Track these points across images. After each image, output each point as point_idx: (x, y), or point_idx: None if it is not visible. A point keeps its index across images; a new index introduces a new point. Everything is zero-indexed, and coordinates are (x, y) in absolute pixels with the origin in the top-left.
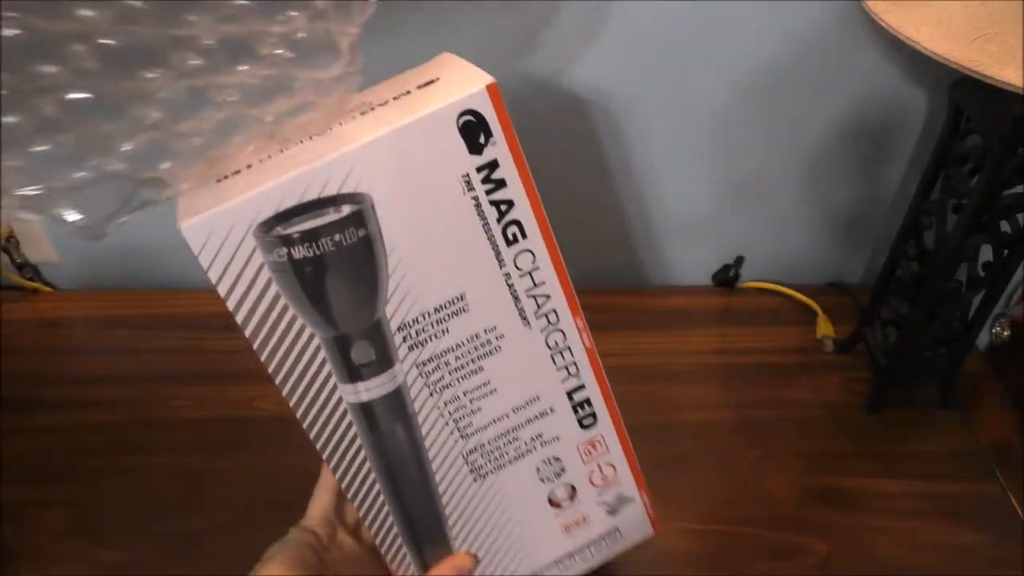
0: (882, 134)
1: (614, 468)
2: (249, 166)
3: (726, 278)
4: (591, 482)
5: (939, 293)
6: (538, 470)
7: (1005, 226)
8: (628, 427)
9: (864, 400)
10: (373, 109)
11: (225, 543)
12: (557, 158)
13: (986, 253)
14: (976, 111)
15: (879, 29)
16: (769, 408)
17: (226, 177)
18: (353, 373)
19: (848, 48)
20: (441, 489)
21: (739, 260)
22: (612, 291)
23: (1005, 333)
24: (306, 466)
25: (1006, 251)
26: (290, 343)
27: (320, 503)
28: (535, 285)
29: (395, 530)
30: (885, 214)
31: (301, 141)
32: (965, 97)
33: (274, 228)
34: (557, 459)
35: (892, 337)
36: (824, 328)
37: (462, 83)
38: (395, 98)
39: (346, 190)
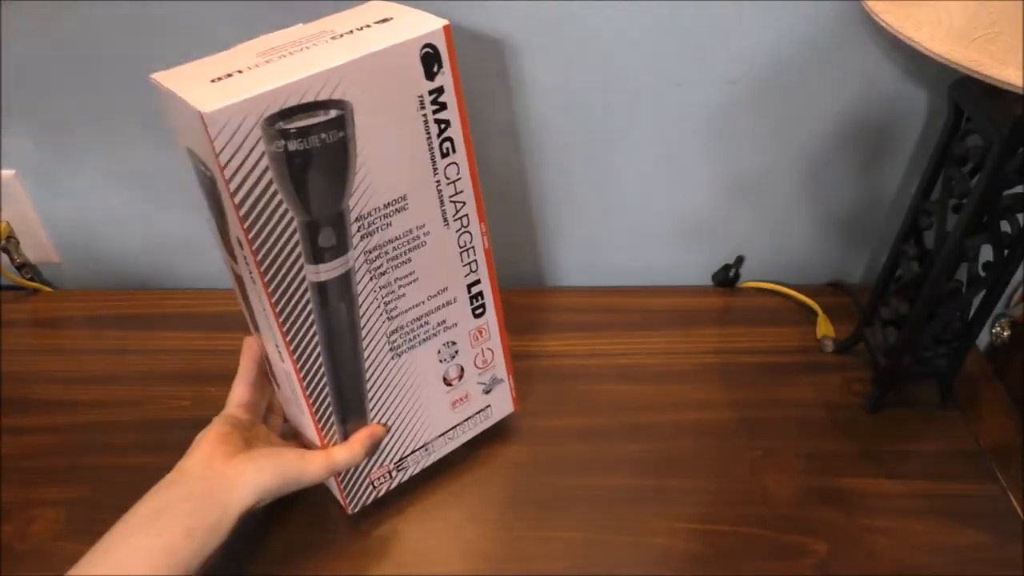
0: (882, 134)
1: (492, 353)
2: (240, 71)
3: (726, 278)
4: (475, 364)
5: (939, 293)
6: (439, 352)
7: (1005, 226)
8: (628, 426)
9: (864, 400)
10: (341, 37)
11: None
12: (556, 158)
13: (986, 253)
14: (976, 111)
15: (879, 29)
16: (769, 408)
17: (219, 79)
18: (318, 255)
19: (848, 48)
20: (366, 364)
21: (739, 260)
22: (612, 291)
23: (1005, 333)
24: None
25: (1006, 251)
26: (274, 224)
27: (239, 391)
28: (456, 192)
29: (328, 399)
30: (885, 214)
31: (282, 56)
32: (965, 97)
33: (276, 123)
34: (454, 343)
35: (892, 337)
36: (824, 328)
37: (420, 23)
38: (358, 29)
39: (333, 97)
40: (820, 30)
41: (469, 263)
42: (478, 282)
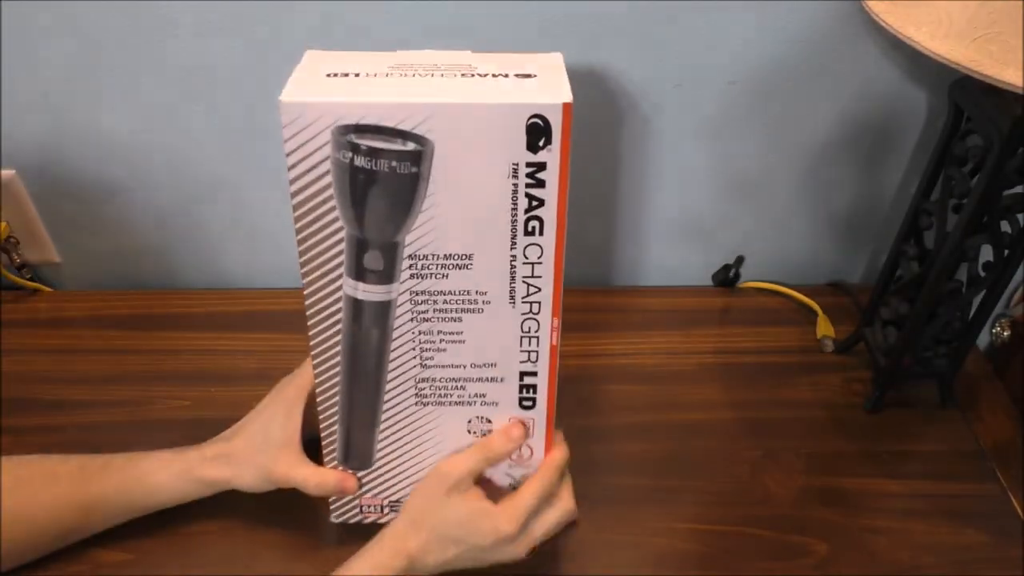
0: (882, 134)
1: (531, 452)
2: (357, 75)
3: (726, 278)
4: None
5: (939, 293)
6: (470, 422)
7: (1005, 226)
8: (628, 426)
9: (864, 400)
10: (473, 76)
11: (225, 543)
12: None
13: (986, 253)
14: (976, 111)
15: (879, 29)
16: (769, 408)
17: (335, 75)
18: (359, 273)
19: (848, 48)
20: (386, 398)
21: (739, 260)
22: (612, 291)
23: (1005, 333)
24: None
25: (1006, 251)
26: (322, 226)
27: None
28: (532, 276)
29: (335, 419)
30: (885, 214)
31: (408, 75)
32: (965, 97)
33: (349, 134)
34: (489, 420)
35: (892, 337)
36: (824, 328)
37: (549, 90)
38: (494, 76)
39: (418, 131)
40: (820, 30)
41: (528, 352)
42: (533, 374)
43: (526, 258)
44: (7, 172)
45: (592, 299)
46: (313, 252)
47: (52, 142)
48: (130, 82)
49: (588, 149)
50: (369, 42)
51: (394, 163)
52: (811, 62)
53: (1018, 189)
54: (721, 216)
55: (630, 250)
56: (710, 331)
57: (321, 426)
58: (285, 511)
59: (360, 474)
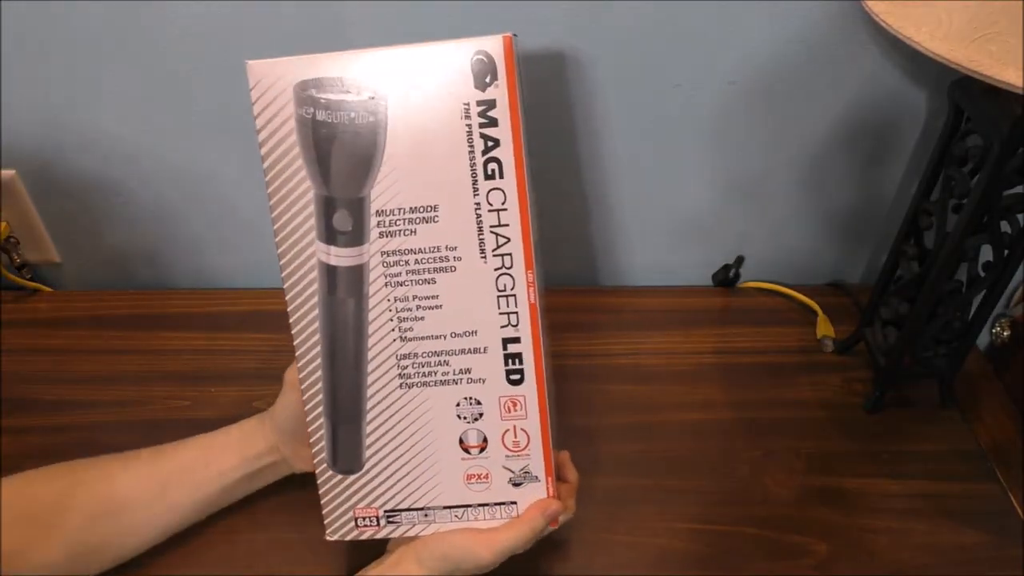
0: (882, 134)
1: (528, 437)
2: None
3: (726, 278)
4: (503, 443)
5: (939, 293)
6: (458, 404)
7: (1005, 226)
8: (628, 426)
9: (864, 400)
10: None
11: (225, 543)
12: (557, 158)
13: (986, 253)
14: (976, 111)
15: (879, 29)
16: (769, 408)
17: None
18: (330, 236)
19: (848, 48)
20: (369, 381)
21: (739, 260)
22: (612, 291)
23: (1005, 333)
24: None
25: (1006, 251)
26: (292, 187)
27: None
28: (499, 224)
29: (320, 416)
30: (885, 214)
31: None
32: (965, 97)
33: (309, 89)
34: (478, 401)
35: (892, 337)
36: (824, 328)
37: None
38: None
39: (372, 82)
40: (820, 30)
41: (507, 313)
42: (517, 340)
43: (490, 204)
44: (7, 172)
45: (592, 299)
46: (285, 218)
47: (52, 142)
48: (130, 82)
49: (588, 149)
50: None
51: (352, 114)
52: (811, 62)
53: (1018, 189)
54: (721, 216)
55: (630, 250)
56: (710, 331)
57: (308, 429)
58: (285, 511)
59: (351, 479)
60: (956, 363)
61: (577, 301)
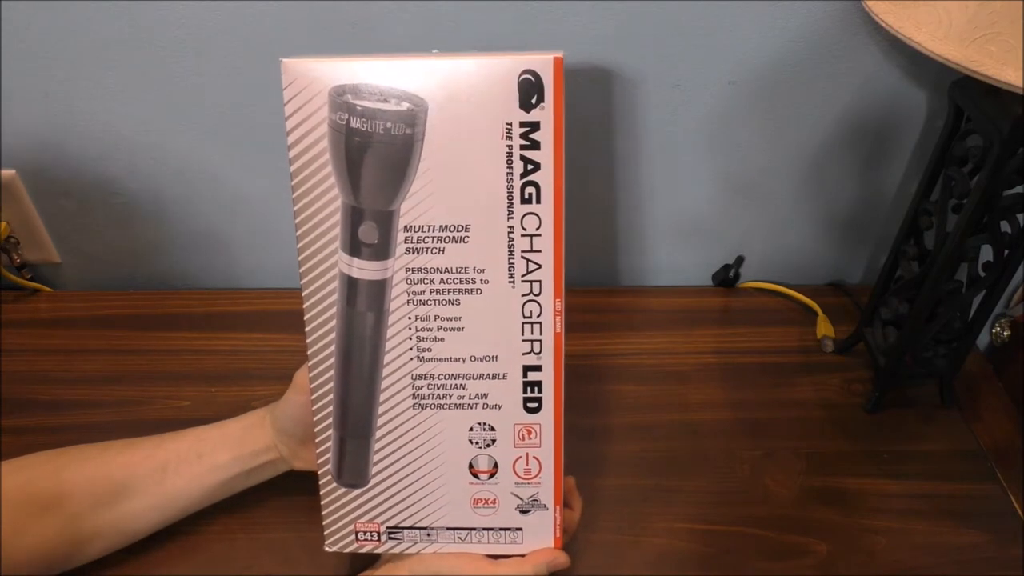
0: (882, 134)
1: (540, 465)
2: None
3: (726, 278)
4: (514, 469)
5: (939, 293)
6: (471, 429)
7: (1005, 226)
8: (628, 426)
9: (864, 400)
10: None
11: (225, 543)
12: None
13: (986, 253)
14: (976, 111)
15: (879, 29)
16: (769, 408)
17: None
18: (354, 247)
19: (848, 48)
20: (381, 399)
21: (739, 260)
22: (612, 291)
23: (1005, 333)
24: None
25: (1006, 251)
26: (319, 194)
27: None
28: (531, 249)
29: (328, 428)
30: (885, 214)
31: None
32: (965, 97)
33: (345, 95)
34: (492, 428)
35: (892, 337)
36: (824, 328)
37: (538, 53)
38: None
39: (412, 92)
40: (820, 30)
41: (531, 341)
42: (538, 368)
43: (524, 229)
44: (7, 172)
45: (592, 299)
46: (310, 224)
47: (52, 142)
48: (130, 81)
49: (588, 149)
50: (375, 46)
51: (389, 124)
52: (811, 62)
53: (1018, 189)
54: (721, 216)
55: (630, 250)
56: (710, 331)
57: (316, 439)
58: (285, 511)
59: (355, 493)
60: (956, 363)
61: (577, 301)
